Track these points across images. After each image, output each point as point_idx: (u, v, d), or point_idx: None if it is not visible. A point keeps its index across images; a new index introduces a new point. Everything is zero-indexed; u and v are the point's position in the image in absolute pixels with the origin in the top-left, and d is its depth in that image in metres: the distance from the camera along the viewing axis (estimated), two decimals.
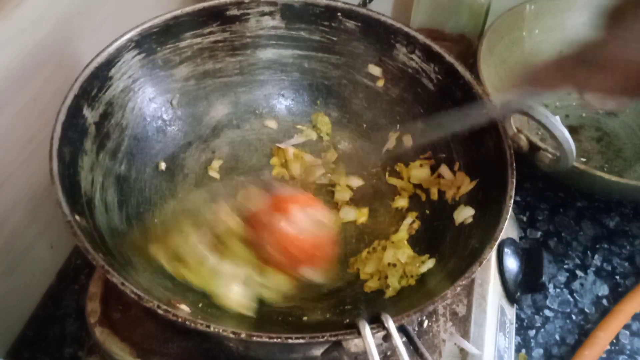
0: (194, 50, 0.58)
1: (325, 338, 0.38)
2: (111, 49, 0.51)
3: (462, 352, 0.50)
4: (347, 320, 0.44)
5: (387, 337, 0.38)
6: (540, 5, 0.77)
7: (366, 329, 0.38)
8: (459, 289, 0.41)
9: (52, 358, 0.59)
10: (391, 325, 0.38)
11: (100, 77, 0.50)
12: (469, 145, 0.54)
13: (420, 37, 0.56)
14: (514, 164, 0.48)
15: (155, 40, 0.55)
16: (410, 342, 0.40)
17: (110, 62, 0.51)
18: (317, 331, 0.38)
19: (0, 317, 0.58)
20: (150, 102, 0.57)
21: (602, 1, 0.81)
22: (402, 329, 0.40)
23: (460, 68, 0.54)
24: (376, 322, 0.39)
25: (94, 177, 0.49)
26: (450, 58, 0.55)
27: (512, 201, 0.45)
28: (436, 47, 0.55)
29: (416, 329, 0.51)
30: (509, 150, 0.49)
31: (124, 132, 0.54)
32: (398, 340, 0.38)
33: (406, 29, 0.57)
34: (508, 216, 0.45)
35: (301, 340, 0.38)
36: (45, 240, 0.61)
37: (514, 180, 0.47)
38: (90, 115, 0.50)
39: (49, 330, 0.61)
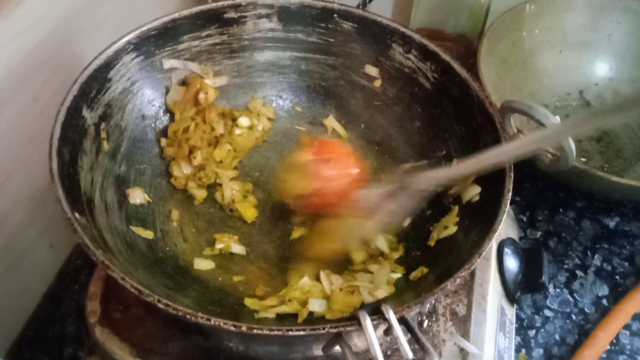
0: (192, 53, 0.58)
1: (326, 330, 0.38)
2: (110, 51, 0.51)
3: (462, 352, 0.50)
4: (348, 314, 0.44)
5: (388, 330, 0.38)
6: (540, 5, 0.77)
7: (367, 320, 0.38)
8: (459, 280, 0.41)
9: (52, 358, 0.59)
10: (392, 316, 0.38)
11: (99, 78, 0.51)
12: (467, 142, 0.54)
13: (416, 37, 0.56)
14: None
15: (154, 42, 0.55)
16: (411, 334, 0.40)
17: (108, 64, 0.52)
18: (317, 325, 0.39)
19: (0, 317, 0.58)
20: (149, 104, 0.57)
21: (601, 1, 0.81)
22: (402, 321, 0.40)
23: (456, 66, 0.54)
24: (377, 313, 0.39)
25: (93, 177, 0.49)
26: (445, 56, 0.55)
27: (510, 194, 0.45)
28: (432, 46, 0.56)
29: (417, 327, 0.51)
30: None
31: (123, 133, 0.54)
32: (399, 330, 0.38)
33: (402, 28, 0.57)
34: (506, 209, 0.45)
35: (302, 332, 0.38)
36: (45, 240, 0.62)
37: (512, 174, 0.47)
38: (89, 116, 0.50)
39: (49, 330, 0.61)
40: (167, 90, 0.58)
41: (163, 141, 0.57)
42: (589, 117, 0.44)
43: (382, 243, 0.54)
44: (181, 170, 0.57)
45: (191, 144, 0.57)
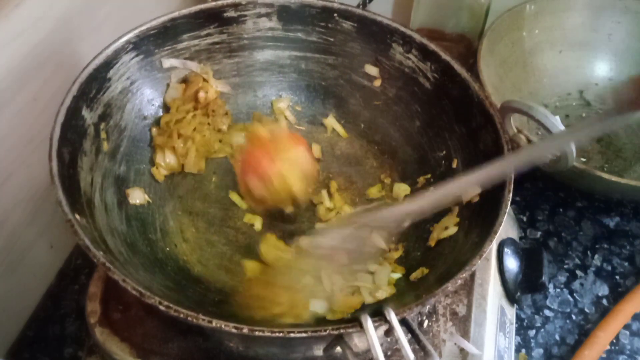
0: (191, 52, 0.58)
1: (328, 332, 0.38)
2: (109, 51, 0.51)
3: (462, 352, 0.50)
4: (349, 315, 0.44)
5: (389, 332, 0.38)
6: (540, 5, 0.77)
7: (368, 322, 0.38)
8: (460, 281, 0.41)
9: (52, 358, 0.59)
10: (393, 318, 0.38)
11: (98, 78, 0.51)
12: (467, 142, 0.54)
13: (417, 36, 0.56)
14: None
15: (153, 42, 0.55)
16: (412, 335, 0.40)
17: (108, 64, 0.51)
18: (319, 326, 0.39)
19: (0, 317, 0.58)
20: (149, 103, 0.57)
21: (602, 1, 0.81)
22: (404, 322, 0.40)
23: (456, 66, 0.54)
24: (378, 315, 0.39)
25: (93, 177, 0.49)
26: (446, 56, 0.55)
27: (510, 195, 0.45)
28: (432, 46, 0.56)
29: (417, 329, 0.51)
30: (506, 145, 0.49)
31: (123, 133, 0.54)
32: (400, 332, 0.38)
33: (402, 28, 0.57)
34: (507, 210, 0.45)
35: (303, 334, 0.38)
36: (45, 240, 0.62)
37: (512, 175, 0.47)
38: (89, 116, 0.50)
39: (49, 330, 0.61)
40: (167, 88, 0.58)
41: (154, 130, 0.57)
42: (592, 124, 0.43)
43: (378, 239, 0.54)
44: (164, 159, 0.57)
45: (181, 133, 0.57)
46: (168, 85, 0.58)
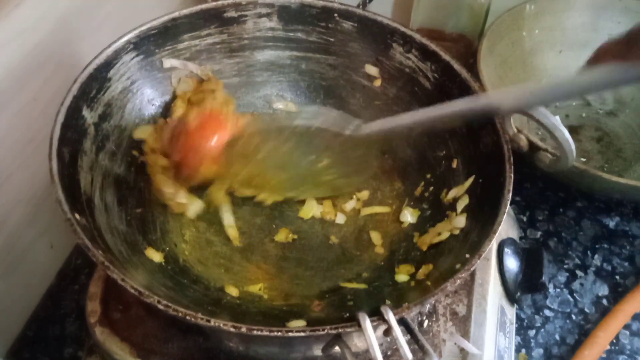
0: (192, 52, 0.58)
1: (326, 331, 0.38)
2: (109, 51, 0.51)
3: (462, 352, 0.50)
4: (347, 314, 0.44)
5: (388, 331, 0.38)
6: (540, 5, 0.77)
7: (366, 322, 0.38)
8: (459, 281, 0.41)
9: (52, 358, 0.59)
10: (391, 317, 0.38)
11: (98, 78, 0.51)
12: (467, 142, 0.54)
13: (417, 36, 0.56)
14: (512, 159, 0.48)
15: (154, 42, 0.55)
16: (411, 335, 0.40)
17: (108, 64, 0.51)
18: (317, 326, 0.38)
19: (0, 317, 0.58)
20: (149, 103, 0.57)
21: (602, 1, 0.81)
22: (402, 322, 0.40)
23: (456, 66, 0.54)
24: (376, 314, 0.39)
25: (93, 177, 0.49)
26: (446, 56, 0.55)
27: (510, 195, 0.46)
28: (432, 46, 0.56)
29: (416, 328, 0.51)
30: (507, 145, 0.49)
31: (123, 133, 0.54)
32: (398, 331, 0.38)
33: (402, 28, 0.57)
34: (506, 210, 0.45)
35: (302, 334, 0.38)
36: (45, 240, 0.62)
37: (512, 175, 0.47)
38: (89, 116, 0.50)
39: (49, 330, 0.61)
40: (179, 81, 0.58)
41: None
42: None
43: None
44: None
45: None
46: (179, 79, 0.58)
